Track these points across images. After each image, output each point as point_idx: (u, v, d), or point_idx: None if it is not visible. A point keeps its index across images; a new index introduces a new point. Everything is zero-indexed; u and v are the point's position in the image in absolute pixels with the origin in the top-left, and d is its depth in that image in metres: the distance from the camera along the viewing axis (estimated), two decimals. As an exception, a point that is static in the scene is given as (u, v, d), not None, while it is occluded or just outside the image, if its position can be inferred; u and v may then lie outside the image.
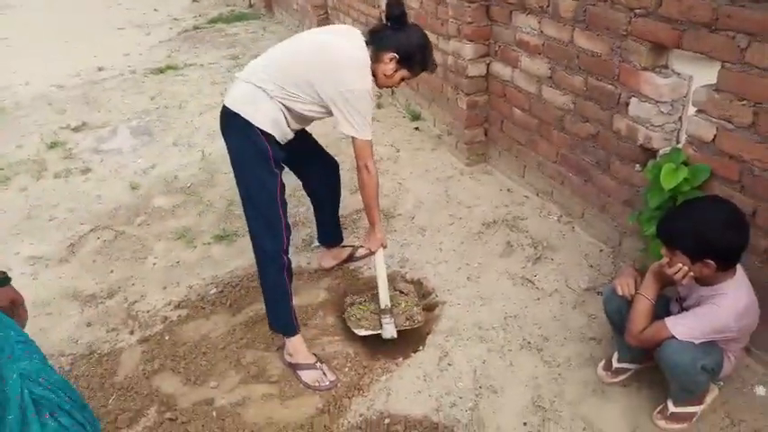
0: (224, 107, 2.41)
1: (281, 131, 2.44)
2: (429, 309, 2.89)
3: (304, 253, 3.33)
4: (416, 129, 4.67)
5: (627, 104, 2.66)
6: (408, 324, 2.70)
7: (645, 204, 2.52)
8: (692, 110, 2.38)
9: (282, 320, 2.57)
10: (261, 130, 2.35)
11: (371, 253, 2.78)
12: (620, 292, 2.11)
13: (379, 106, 5.19)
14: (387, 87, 2.57)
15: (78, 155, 4.86)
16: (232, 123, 2.39)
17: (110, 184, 4.36)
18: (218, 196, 4.05)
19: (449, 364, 2.49)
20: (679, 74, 2.50)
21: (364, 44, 2.43)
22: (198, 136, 5.06)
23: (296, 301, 2.90)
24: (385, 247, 2.73)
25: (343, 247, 3.26)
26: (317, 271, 3.18)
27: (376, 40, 2.43)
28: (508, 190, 3.67)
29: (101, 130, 5.28)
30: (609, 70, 2.72)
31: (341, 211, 3.61)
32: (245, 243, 3.48)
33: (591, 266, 2.93)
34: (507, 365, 2.47)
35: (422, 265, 3.12)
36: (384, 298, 2.67)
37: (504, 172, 3.81)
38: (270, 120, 2.37)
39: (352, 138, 2.43)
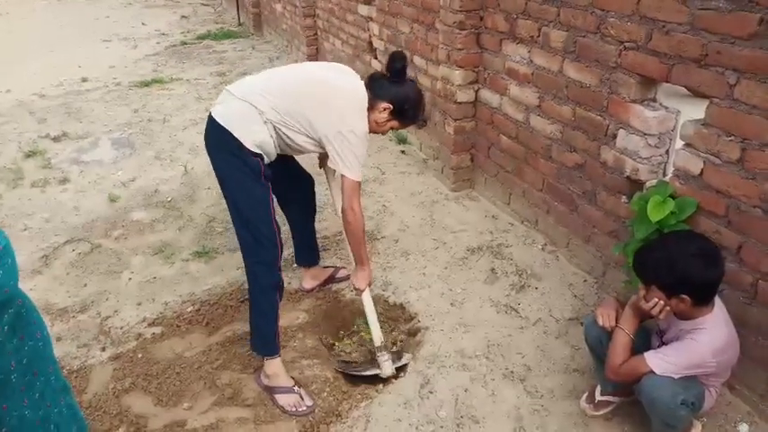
0: (213, 120, 2.38)
1: (267, 153, 2.43)
2: (411, 334, 2.84)
3: (285, 272, 3.26)
4: (402, 152, 4.67)
5: (615, 136, 2.67)
6: (405, 360, 2.64)
7: (631, 236, 2.52)
8: (679, 143, 2.40)
9: (266, 341, 2.51)
10: (250, 150, 2.34)
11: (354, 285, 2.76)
12: (600, 323, 2.09)
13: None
14: (374, 133, 2.57)
15: (57, 165, 4.76)
16: (221, 139, 2.35)
17: (88, 196, 4.27)
18: (198, 212, 3.98)
19: (430, 392, 2.44)
20: (667, 107, 2.52)
21: (365, 88, 2.47)
22: (181, 150, 5.00)
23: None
24: (371, 286, 2.72)
25: (325, 267, 3.21)
26: (298, 292, 3.12)
27: (374, 88, 2.48)
28: (493, 216, 3.66)
29: (81, 141, 5.20)
30: (598, 101, 2.74)
31: (324, 232, 3.58)
32: (225, 260, 3.43)
33: (575, 296, 2.92)
34: (489, 395, 2.42)
35: (405, 289, 3.08)
36: (377, 336, 2.61)
37: (489, 198, 3.80)
38: (259, 141, 2.36)
39: (342, 176, 2.44)
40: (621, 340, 2.00)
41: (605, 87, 2.68)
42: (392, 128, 2.61)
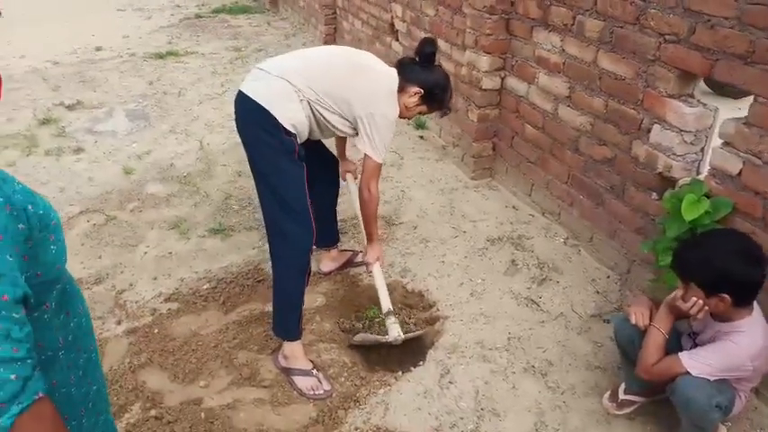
0: (246, 97, 2.33)
1: (299, 133, 2.39)
2: (430, 322, 2.81)
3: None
4: (421, 137, 4.61)
5: (648, 131, 2.61)
6: (417, 329, 2.62)
7: (662, 234, 2.47)
8: (717, 141, 2.34)
9: (289, 326, 2.48)
10: (286, 129, 2.31)
11: (365, 260, 2.80)
12: (633, 321, 2.05)
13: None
14: (403, 118, 2.58)
15: (71, 134, 4.71)
16: (256, 117, 2.31)
17: (103, 167, 4.23)
18: (214, 188, 3.93)
19: (450, 383, 2.41)
20: (705, 104, 2.46)
21: (397, 75, 2.48)
22: (196, 125, 4.94)
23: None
24: (381, 262, 2.73)
25: (343, 251, 3.17)
26: (316, 274, 3.08)
27: (405, 72, 2.49)
28: (513, 207, 3.62)
29: (96, 111, 5.14)
30: (632, 94, 2.68)
31: (341, 215, 3.53)
32: (241, 239, 3.40)
33: (597, 292, 2.88)
34: (510, 388, 2.39)
35: (423, 276, 3.04)
36: (385, 303, 2.60)
37: (510, 189, 3.75)
38: (297, 120, 2.34)
39: (365, 156, 2.44)
40: (656, 339, 1.96)
41: (641, 80, 2.62)
42: (420, 113, 2.63)
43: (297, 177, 2.36)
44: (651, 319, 2.03)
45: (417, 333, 2.66)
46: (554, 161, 3.29)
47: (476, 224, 3.46)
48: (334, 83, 2.36)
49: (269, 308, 2.84)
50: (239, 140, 2.46)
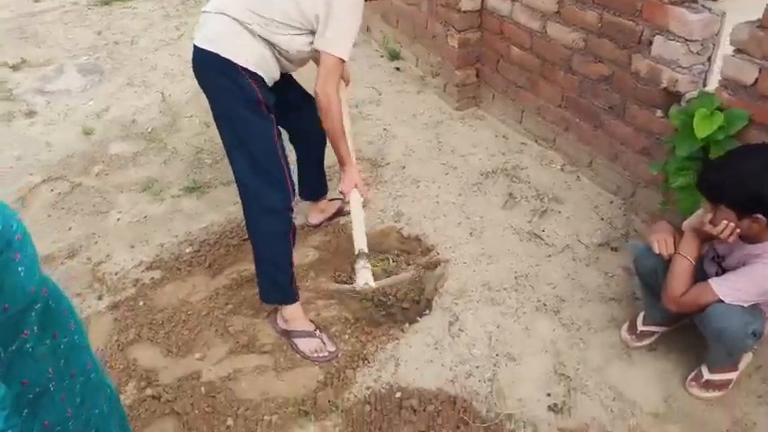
0: (196, 48, 2.06)
1: (268, 71, 2.11)
2: (430, 267, 2.67)
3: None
4: (397, 69, 4.34)
5: (650, 43, 2.42)
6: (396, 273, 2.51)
7: (670, 153, 2.33)
8: (727, 49, 2.16)
9: (282, 291, 2.30)
10: (246, 70, 2.02)
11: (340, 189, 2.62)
12: (656, 251, 1.92)
13: (354, 44, 4.81)
14: None
15: (20, 96, 4.34)
16: (209, 66, 2.04)
17: (60, 129, 3.90)
18: (183, 143, 3.67)
19: (460, 330, 2.30)
20: (710, 9, 2.26)
21: None
22: (154, 75, 4.58)
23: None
24: (361, 190, 2.34)
25: (332, 200, 2.98)
26: (305, 227, 2.90)
27: None
28: (504, 136, 3.43)
29: (44, 69, 4.73)
30: (629, 4, 2.46)
31: (326, 161, 3.32)
32: (219, 195, 3.18)
33: (602, 219, 2.75)
34: (523, 329, 2.29)
35: (418, 219, 2.88)
36: (360, 242, 2.25)
37: (498, 117, 3.55)
38: (255, 56, 2.04)
39: (321, 54, 2.03)
40: (683, 268, 1.84)
41: (640, -12, 2.40)
42: None
43: (265, 129, 2.09)
44: (675, 246, 1.90)
45: (395, 279, 2.48)
46: (545, 84, 3.09)
47: (466, 158, 3.28)
48: None
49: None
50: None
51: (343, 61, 2.06)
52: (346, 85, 2.59)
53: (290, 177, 2.18)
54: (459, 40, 3.45)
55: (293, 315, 2.32)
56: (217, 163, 3.47)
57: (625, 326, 2.24)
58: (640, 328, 2.19)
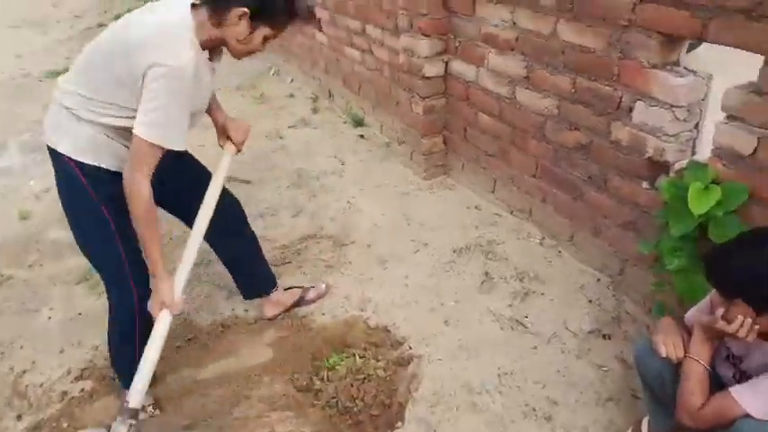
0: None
1: (109, 155, 1.84)
2: (401, 364, 2.35)
3: (239, 297, 2.70)
4: (361, 136, 4.12)
5: (630, 109, 2.21)
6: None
7: (663, 231, 2.08)
8: (718, 115, 1.95)
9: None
10: (70, 159, 1.82)
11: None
12: (663, 354, 1.64)
13: (314, 111, 4.61)
14: (248, 55, 1.85)
15: (-47, 177, 4.00)
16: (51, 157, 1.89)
17: (-7, 214, 3.56)
18: (129, 226, 3.34)
19: (438, 448, 1.96)
20: (695, 72, 2.07)
21: (188, 8, 1.74)
22: (103, 150, 4.29)
23: (233, 363, 2.33)
24: (172, 308, 1.90)
25: (289, 289, 2.66)
26: (258, 321, 2.57)
27: (215, 2, 1.73)
28: (476, 207, 3.18)
29: (-17, 146, 4.42)
30: (606, 68, 2.27)
31: (282, 240, 3.04)
32: (166, 287, 2.84)
33: (590, 302, 2.48)
34: (511, 442, 1.97)
35: (386, 306, 2.57)
36: (135, 392, 1.82)
37: (468, 186, 3.32)
38: (83, 144, 1.81)
39: (134, 137, 1.70)
40: (698, 374, 1.56)
41: (615, 51, 2.21)
42: (266, 38, 1.81)
43: (96, 219, 1.87)
44: (684, 347, 1.62)
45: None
46: (517, 152, 2.86)
47: (437, 232, 3.01)
48: (97, 68, 1.73)
49: (204, 374, 2.34)
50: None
51: (159, 147, 1.71)
52: (238, 149, 2.27)
53: (135, 264, 1.94)
54: (424, 107, 3.24)
55: None
56: (163, 246, 3.14)
57: (628, 435, 1.93)
58: (645, 437, 1.88)
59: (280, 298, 2.56)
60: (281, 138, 4.19)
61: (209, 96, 2.02)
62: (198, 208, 2.05)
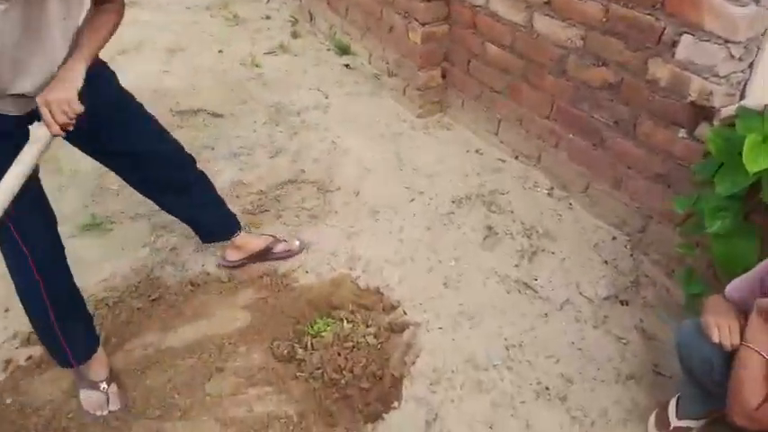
0: None
1: None
2: (396, 330, 2.09)
3: (210, 250, 2.39)
4: (346, 66, 3.70)
5: (674, 44, 1.87)
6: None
7: (704, 188, 1.79)
8: (783, 54, 1.63)
9: (56, 355, 1.83)
10: None
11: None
12: (715, 340, 1.38)
13: (294, 35, 4.15)
14: None
15: None
16: None
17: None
18: (84, 163, 2.95)
19: (441, 432, 1.72)
20: (758, 1, 1.72)
21: None
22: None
23: (205, 329, 2.05)
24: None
25: (256, 235, 2.34)
26: (232, 279, 2.27)
27: None
28: (477, 151, 2.86)
29: None
30: (646, -6, 1.91)
31: (257, 185, 2.71)
32: (126, 233, 2.52)
33: (605, 262, 2.22)
34: (523, 427, 1.73)
35: (379, 264, 2.28)
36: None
37: (468, 126, 2.98)
38: None
39: None
40: (755, 367, 1.31)
41: (659, -29, 1.85)
42: None
43: None
44: (743, 334, 1.37)
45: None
46: (529, 90, 2.52)
47: (433, 179, 2.69)
48: None
49: (171, 341, 2.05)
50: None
51: None
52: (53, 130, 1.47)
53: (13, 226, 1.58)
54: (423, 35, 2.84)
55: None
56: (125, 188, 2.77)
57: (652, 420, 1.71)
58: (674, 423, 1.66)
59: (244, 242, 2.24)
60: (256, 66, 3.76)
61: (33, 31, 1.42)
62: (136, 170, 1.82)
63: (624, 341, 1.94)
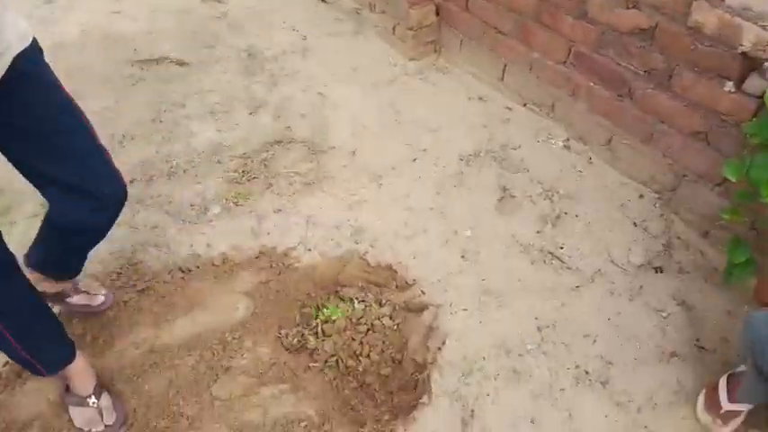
0: None
1: None
2: (414, 310, 1.92)
3: (196, 228, 2.14)
4: (323, 1, 3.34)
5: (724, -16, 1.65)
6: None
7: (759, 151, 1.62)
8: None
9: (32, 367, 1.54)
10: None
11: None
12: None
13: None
14: None
15: None
16: None
17: None
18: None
19: (481, 432, 1.59)
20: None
21: None
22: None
23: (203, 321, 1.86)
24: None
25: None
26: (226, 261, 2.04)
27: None
28: (480, 99, 2.61)
29: None
30: None
31: (240, 148, 2.45)
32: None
33: (634, 224, 2.06)
34: (566, 419, 1.61)
35: (388, 238, 2.08)
36: None
37: (468, 71, 2.71)
38: None
39: None
40: None
41: None
42: None
43: None
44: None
45: None
46: (543, 32, 2.26)
47: (436, 134, 2.46)
48: None
49: (167, 338, 1.84)
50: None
51: None
52: None
53: None
54: (415, -33, 2.53)
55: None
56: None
57: (701, 401, 1.61)
58: (726, 407, 1.56)
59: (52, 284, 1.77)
60: (219, 2, 3.37)
61: None
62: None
63: (663, 314, 1.81)
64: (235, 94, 2.70)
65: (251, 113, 2.59)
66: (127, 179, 1.51)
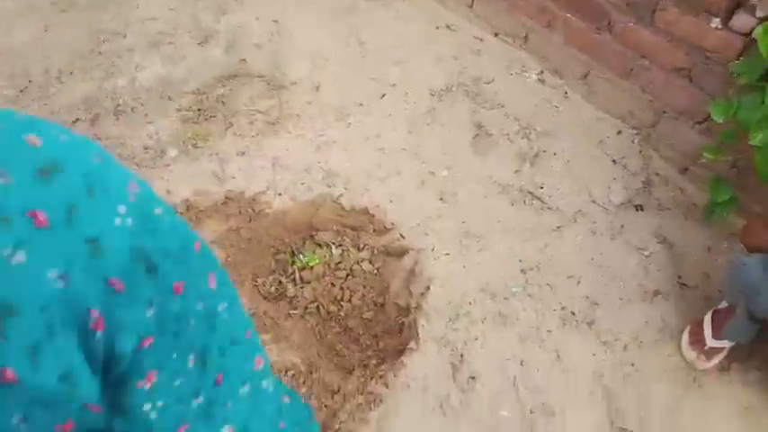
0: None
1: None
2: (395, 254, 1.86)
3: (157, 169, 1.97)
4: None
5: None
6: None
7: (746, 92, 1.60)
8: None
9: None
10: None
11: None
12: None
13: None
14: None
15: None
16: None
17: None
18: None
19: (472, 378, 1.57)
20: None
21: None
22: None
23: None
24: None
25: None
26: (191, 208, 1.89)
27: None
28: (448, 27, 2.48)
29: None
30: None
31: (193, 83, 2.24)
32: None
33: (613, 162, 2.04)
34: (554, 360, 1.61)
35: (362, 180, 1.98)
36: None
37: (434, -3, 2.56)
38: None
39: None
40: None
41: None
42: None
43: None
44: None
45: None
46: (517, -43, 2.14)
47: (404, 66, 2.32)
48: None
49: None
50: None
51: None
52: None
53: None
54: None
55: None
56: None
57: (685, 338, 1.64)
58: (711, 343, 1.60)
59: None
60: None
61: None
62: None
63: (645, 252, 1.82)
64: (180, 22, 2.45)
65: (200, 44, 2.37)
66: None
